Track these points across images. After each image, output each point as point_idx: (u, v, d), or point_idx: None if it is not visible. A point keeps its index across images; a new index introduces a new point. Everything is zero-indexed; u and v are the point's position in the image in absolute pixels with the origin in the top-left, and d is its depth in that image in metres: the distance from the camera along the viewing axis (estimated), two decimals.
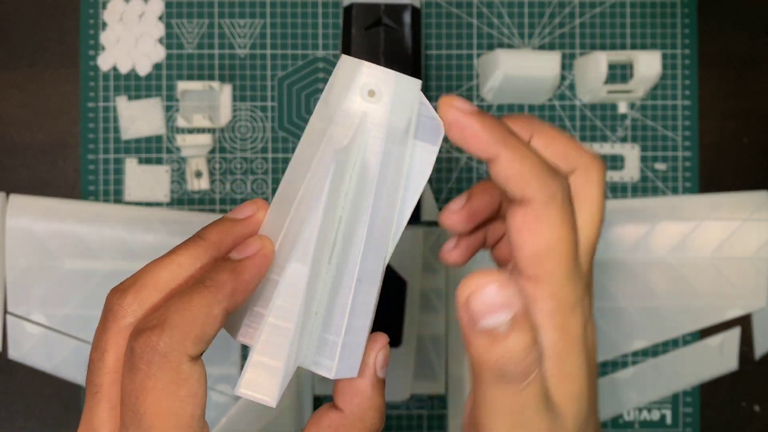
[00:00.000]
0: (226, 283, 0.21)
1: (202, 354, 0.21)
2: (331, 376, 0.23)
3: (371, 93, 0.22)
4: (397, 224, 0.24)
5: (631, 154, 0.53)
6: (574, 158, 0.26)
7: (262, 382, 0.21)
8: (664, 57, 0.53)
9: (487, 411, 0.23)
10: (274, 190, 0.52)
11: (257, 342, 0.21)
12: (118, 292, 0.22)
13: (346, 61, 0.23)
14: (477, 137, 0.24)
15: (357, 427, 0.23)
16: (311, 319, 0.22)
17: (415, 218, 0.49)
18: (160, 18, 0.52)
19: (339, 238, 0.22)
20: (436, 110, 0.23)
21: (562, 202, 0.24)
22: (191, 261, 0.23)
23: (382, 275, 0.23)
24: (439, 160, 0.52)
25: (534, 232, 0.24)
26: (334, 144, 0.22)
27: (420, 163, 0.23)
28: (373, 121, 0.22)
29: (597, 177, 0.26)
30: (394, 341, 0.50)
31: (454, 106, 0.24)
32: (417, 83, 0.23)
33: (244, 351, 0.51)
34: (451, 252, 0.31)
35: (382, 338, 0.24)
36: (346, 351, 0.22)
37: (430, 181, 0.52)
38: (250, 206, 0.24)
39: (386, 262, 0.24)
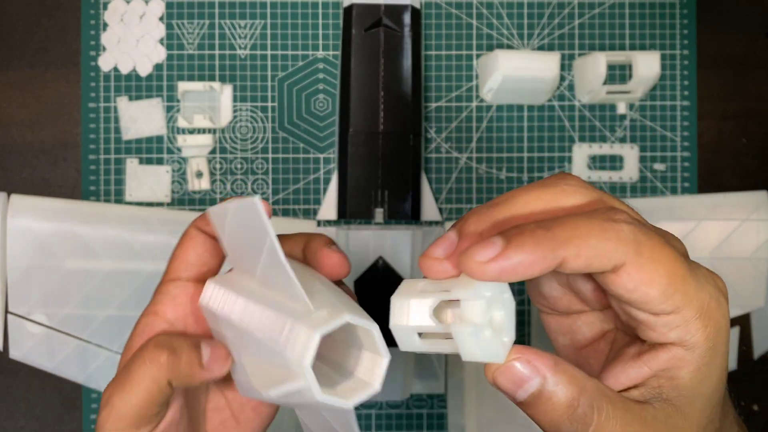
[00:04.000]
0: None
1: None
2: None
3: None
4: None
5: (630, 154, 0.53)
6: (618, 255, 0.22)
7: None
8: (663, 58, 0.53)
9: None
10: (274, 190, 0.52)
11: None
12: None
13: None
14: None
15: None
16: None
17: (415, 218, 0.49)
18: (161, 19, 0.52)
19: None
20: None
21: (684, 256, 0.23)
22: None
23: None
24: (438, 160, 0.52)
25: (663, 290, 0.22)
26: None
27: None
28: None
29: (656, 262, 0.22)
30: (394, 341, 0.50)
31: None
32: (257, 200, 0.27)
33: None
34: (439, 264, 0.24)
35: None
36: None
37: (429, 181, 0.52)
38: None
39: None
